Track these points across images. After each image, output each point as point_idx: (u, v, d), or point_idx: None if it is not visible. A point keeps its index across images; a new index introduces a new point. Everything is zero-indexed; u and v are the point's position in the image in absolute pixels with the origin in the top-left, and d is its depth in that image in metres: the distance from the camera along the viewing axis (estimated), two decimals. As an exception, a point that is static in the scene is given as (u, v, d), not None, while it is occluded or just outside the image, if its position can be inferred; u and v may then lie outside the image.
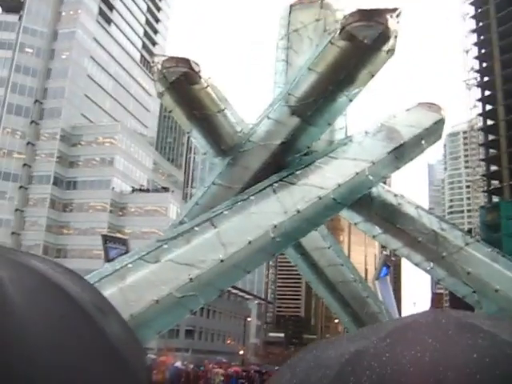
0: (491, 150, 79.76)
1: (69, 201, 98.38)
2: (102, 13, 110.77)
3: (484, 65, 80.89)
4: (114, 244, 64.25)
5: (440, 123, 18.52)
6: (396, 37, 15.96)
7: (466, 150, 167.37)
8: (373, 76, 16.59)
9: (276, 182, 15.51)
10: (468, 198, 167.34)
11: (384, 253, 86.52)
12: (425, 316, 2.52)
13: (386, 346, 2.23)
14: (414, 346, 2.25)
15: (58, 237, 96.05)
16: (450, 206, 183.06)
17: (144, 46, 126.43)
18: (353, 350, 1.97)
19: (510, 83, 71.67)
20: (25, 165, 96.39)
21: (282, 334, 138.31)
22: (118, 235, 76.24)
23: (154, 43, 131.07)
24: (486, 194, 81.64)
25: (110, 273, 12.65)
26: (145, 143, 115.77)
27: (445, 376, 2.02)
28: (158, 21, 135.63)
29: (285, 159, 16.99)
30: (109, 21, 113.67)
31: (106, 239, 66.16)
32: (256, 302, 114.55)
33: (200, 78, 17.63)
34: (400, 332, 2.55)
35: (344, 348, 2.06)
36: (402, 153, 17.63)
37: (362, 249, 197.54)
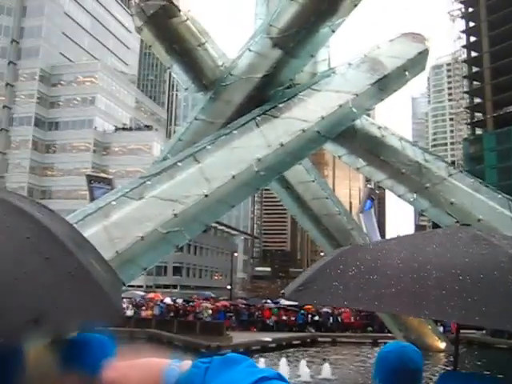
0: (475, 83, 79.40)
1: (51, 142, 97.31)
2: None
3: (468, -5, 79.74)
4: (98, 184, 64.05)
5: (424, 54, 18.33)
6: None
7: (449, 82, 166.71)
8: (356, 5, 16.30)
9: (259, 116, 15.40)
10: (451, 131, 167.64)
11: (368, 186, 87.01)
12: (447, 229, 2.68)
13: (395, 246, 2.37)
14: (416, 248, 2.29)
15: (42, 178, 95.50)
16: (434, 139, 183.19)
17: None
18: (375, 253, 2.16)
19: (495, 14, 70.76)
20: (4, 107, 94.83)
21: (269, 269, 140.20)
22: (103, 175, 75.97)
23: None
24: (469, 126, 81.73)
25: (93, 211, 12.63)
26: (126, 81, 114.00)
27: (429, 273, 2.05)
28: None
29: (267, 92, 16.81)
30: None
31: (90, 179, 65.96)
32: (242, 237, 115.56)
33: (179, 11, 17.24)
34: (411, 238, 2.64)
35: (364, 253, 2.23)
36: (385, 84, 17.50)
37: (347, 183, 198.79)
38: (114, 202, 12.75)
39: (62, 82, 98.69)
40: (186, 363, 1.21)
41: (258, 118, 15.34)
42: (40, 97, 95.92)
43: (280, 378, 1.16)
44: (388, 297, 2.00)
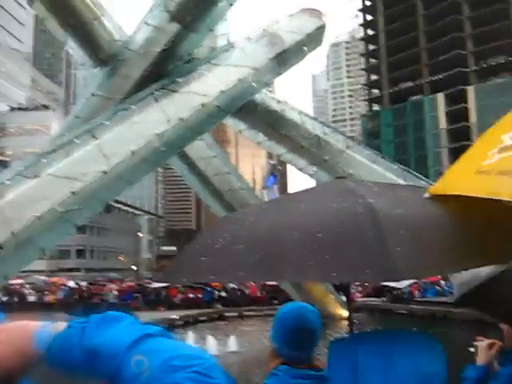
0: (372, 60, 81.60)
1: None
2: None
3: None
4: (-6, 167, 61.62)
5: (321, 29, 18.63)
6: None
7: (348, 60, 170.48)
8: (253, -21, 16.27)
9: (158, 91, 15.19)
10: (350, 107, 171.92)
11: (271, 162, 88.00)
12: (322, 185, 2.70)
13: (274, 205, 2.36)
14: (282, 210, 2.30)
15: None
16: (334, 115, 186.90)
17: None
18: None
19: (390, -8, 72.81)
20: None
21: (175, 248, 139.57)
22: (0, 158, 73.03)
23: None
24: (367, 102, 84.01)
25: (-16, 191, 12.13)
26: (20, 59, 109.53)
27: (290, 235, 2.07)
28: None
29: (166, 67, 16.59)
30: None
31: (-15, 161, 63.29)
32: (146, 217, 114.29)
33: (73, -18, 16.67)
34: (282, 200, 2.65)
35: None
36: (284, 58, 17.66)
37: (250, 160, 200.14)
38: (8, 182, 12.26)
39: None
40: (61, 324, 1.16)
41: (157, 93, 15.13)
42: None
43: (164, 334, 1.13)
44: (250, 265, 2.00)
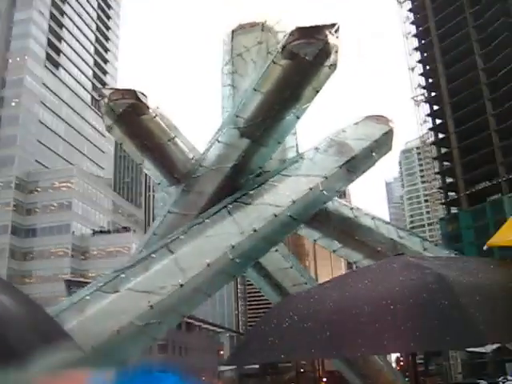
0: (445, 163, 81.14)
1: (29, 249, 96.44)
2: (49, 57, 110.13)
3: (430, 80, 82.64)
4: (77, 289, 62.95)
5: (389, 134, 18.82)
6: (337, 52, 16.25)
7: (420, 165, 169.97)
8: (317, 92, 16.80)
9: (230, 204, 15.52)
10: (427, 212, 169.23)
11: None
12: (381, 262, 2.72)
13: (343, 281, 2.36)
14: (347, 287, 2.31)
15: (20, 287, 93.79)
16: (411, 221, 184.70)
17: (94, 87, 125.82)
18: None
19: (457, 96, 73.28)
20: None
21: (257, 366, 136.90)
22: (82, 279, 74.91)
23: (103, 84, 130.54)
24: (444, 206, 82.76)
25: (67, 306, 12.45)
26: (102, 185, 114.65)
27: (361, 310, 2.07)
28: (106, 62, 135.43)
29: (238, 181, 17.02)
30: (57, 65, 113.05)
31: (69, 284, 64.87)
32: (228, 334, 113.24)
33: (148, 108, 17.65)
34: (344, 278, 2.66)
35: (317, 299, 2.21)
36: (353, 165, 17.84)
37: (329, 271, 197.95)
38: (88, 297, 12.60)
39: (38, 189, 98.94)
40: (109, 373, 1.23)
41: (230, 206, 15.46)
42: (16, 204, 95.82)
43: None
44: (323, 342, 1.98)
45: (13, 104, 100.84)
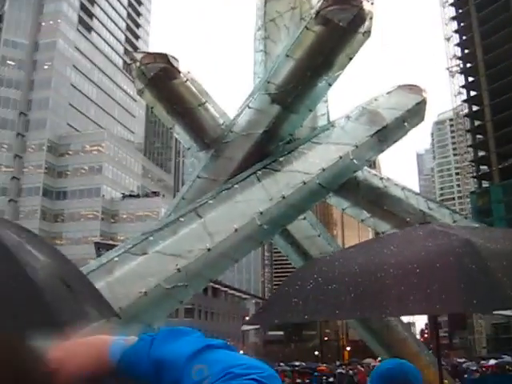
0: (478, 136, 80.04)
1: (60, 211, 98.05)
2: (82, 21, 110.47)
3: (466, 51, 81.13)
4: (107, 251, 63.90)
5: (422, 104, 18.52)
6: (371, 18, 15.96)
7: (453, 137, 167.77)
8: (351, 59, 16.54)
9: (260, 170, 15.45)
10: (458, 185, 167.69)
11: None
12: (406, 229, 2.71)
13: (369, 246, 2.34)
14: (373, 252, 2.28)
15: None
16: (441, 194, 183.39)
17: (126, 51, 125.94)
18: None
19: (493, 68, 71.88)
20: (13, 178, 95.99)
21: (282, 332, 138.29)
22: (111, 242, 76.05)
23: (135, 48, 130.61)
24: (475, 179, 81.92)
25: (96, 267, 12.59)
26: (132, 149, 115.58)
27: (386, 273, 2.04)
28: (138, 26, 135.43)
29: (268, 148, 16.92)
30: (89, 29, 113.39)
31: (98, 247, 65.96)
32: (253, 301, 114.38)
33: (179, 72, 17.57)
34: (369, 244, 2.63)
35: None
36: (385, 135, 17.62)
37: (357, 241, 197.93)
38: (116, 258, 12.70)
39: (69, 152, 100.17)
40: (133, 338, 1.22)
41: (259, 172, 15.39)
42: (48, 167, 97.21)
43: (227, 347, 1.16)
44: (348, 303, 1.99)
45: (45, 67, 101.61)
